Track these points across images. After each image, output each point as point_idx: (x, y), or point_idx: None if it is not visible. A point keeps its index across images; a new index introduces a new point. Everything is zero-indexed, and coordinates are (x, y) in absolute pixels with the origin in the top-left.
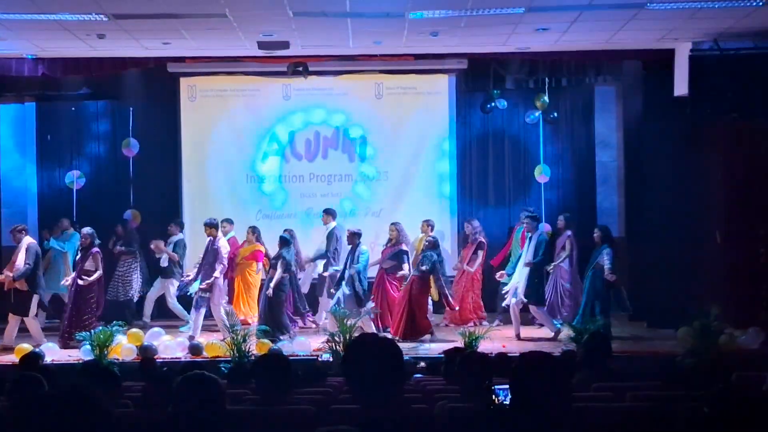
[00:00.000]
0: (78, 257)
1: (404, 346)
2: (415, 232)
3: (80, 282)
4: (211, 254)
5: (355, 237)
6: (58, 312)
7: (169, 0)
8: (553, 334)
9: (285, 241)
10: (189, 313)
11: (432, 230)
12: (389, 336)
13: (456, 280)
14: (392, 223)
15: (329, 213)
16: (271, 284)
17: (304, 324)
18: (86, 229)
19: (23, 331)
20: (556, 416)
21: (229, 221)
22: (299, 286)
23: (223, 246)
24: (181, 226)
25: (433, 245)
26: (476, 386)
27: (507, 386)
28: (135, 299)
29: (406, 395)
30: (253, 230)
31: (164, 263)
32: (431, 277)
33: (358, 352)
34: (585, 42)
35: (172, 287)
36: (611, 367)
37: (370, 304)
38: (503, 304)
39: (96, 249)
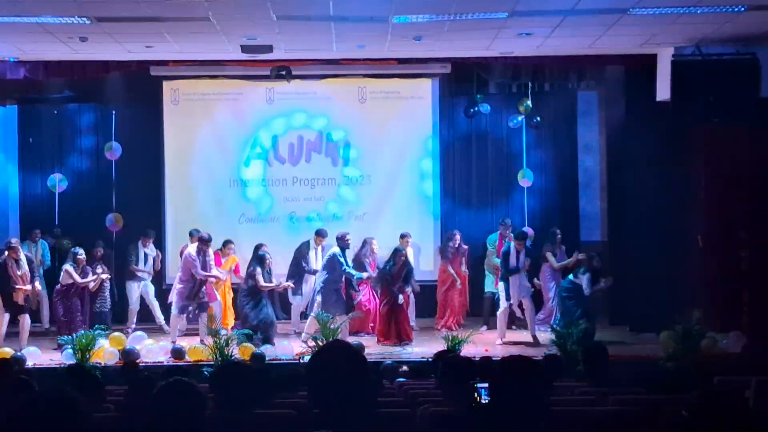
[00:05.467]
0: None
1: (387, 350)
2: (396, 238)
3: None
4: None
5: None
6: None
7: (152, 3)
8: (532, 337)
9: (261, 259)
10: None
11: (408, 244)
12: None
13: (448, 288)
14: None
15: (320, 235)
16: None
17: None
18: (80, 249)
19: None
20: (535, 420)
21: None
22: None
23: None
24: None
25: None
26: (460, 389)
27: (487, 386)
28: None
29: (388, 399)
30: (230, 243)
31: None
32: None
33: (322, 361)
34: (568, 47)
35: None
36: (610, 375)
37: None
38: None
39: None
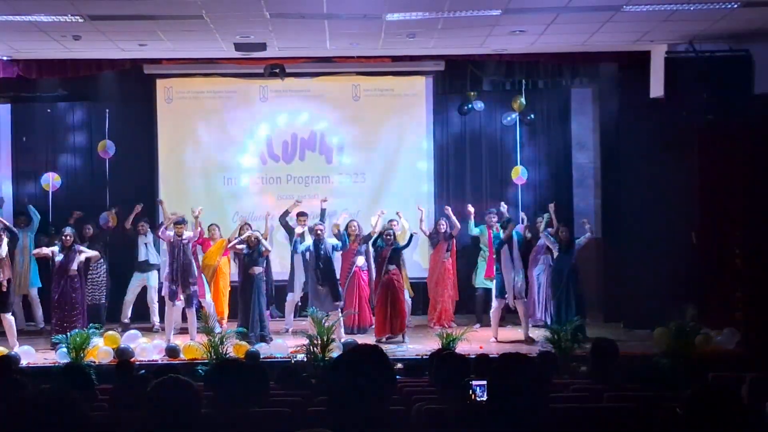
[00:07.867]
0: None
1: (382, 347)
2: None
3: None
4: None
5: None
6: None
7: (145, 1)
8: (525, 336)
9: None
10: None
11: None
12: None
13: (437, 280)
14: (351, 220)
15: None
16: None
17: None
18: (69, 229)
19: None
20: (532, 417)
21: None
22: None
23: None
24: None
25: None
26: (455, 387)
27: (484, 383)
28: (106, 303)
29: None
30: (214, 225)
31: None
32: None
33: (350, 364)
34: (561, 44)
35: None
36: (618, 372)
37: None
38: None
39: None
